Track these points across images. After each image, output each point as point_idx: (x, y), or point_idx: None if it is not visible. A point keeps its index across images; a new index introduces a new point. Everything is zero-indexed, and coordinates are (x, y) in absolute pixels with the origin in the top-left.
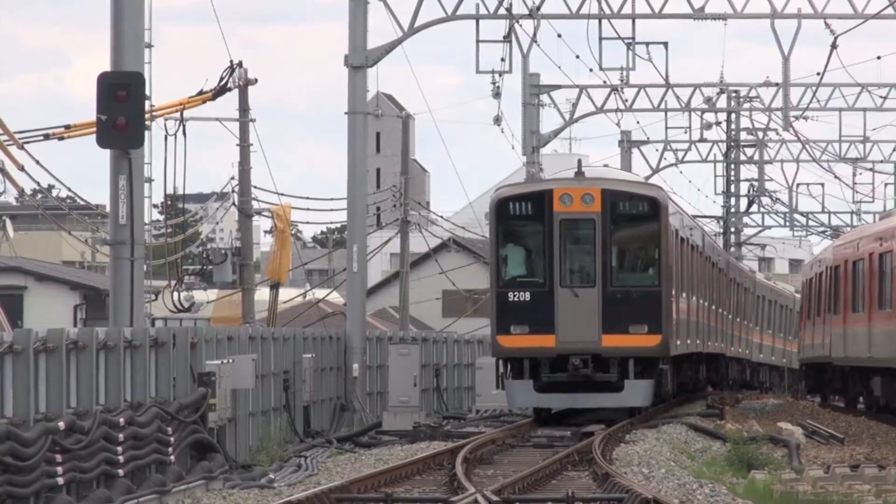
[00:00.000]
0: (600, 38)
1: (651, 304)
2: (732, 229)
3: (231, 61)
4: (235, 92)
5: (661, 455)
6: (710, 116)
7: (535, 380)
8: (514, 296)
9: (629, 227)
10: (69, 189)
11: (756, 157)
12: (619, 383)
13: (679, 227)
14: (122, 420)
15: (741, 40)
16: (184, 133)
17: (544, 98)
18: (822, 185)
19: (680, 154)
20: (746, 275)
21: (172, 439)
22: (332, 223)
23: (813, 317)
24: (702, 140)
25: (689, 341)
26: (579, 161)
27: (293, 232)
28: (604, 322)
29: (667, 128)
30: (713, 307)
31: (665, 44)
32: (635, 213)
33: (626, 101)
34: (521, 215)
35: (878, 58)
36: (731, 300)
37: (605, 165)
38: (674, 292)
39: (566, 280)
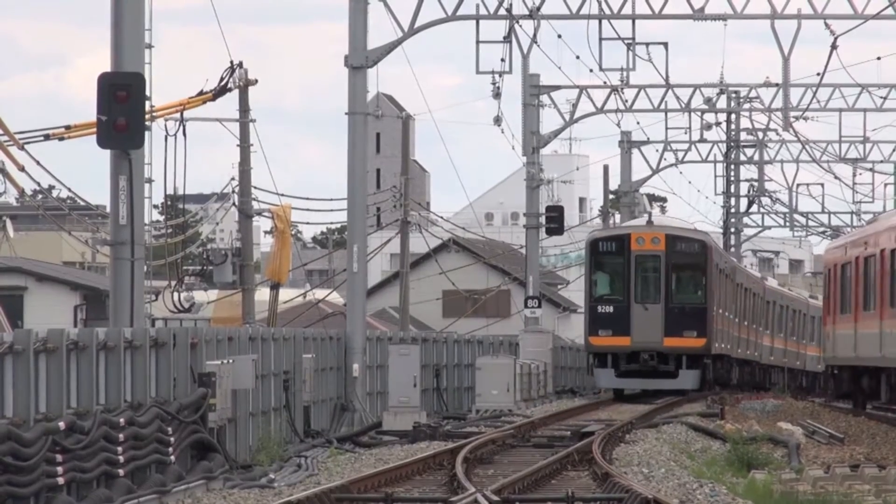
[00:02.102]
0: (600, 39)
1: (699, 316)
2: (732, 230)
3: (231, 62)
4: (236, 92)
5: (660, 455)
6: (710, 117)
7: (615, 368)
8: (602, 308)
9: (684, 261)
10: (69, 189)
11: (756, 158)
12: (675, 372)
13: (719, 262)
14: (122, 420)
15: (741, 41)
16: (184, 133)
17: (544, 98)
18: (822, 185)
19: (680, 154)
20: (764, 286)
21: (173, 439)
22: (332, 223)
23: (837, 313)
24: (702, 140)
25: (723, 345)
26: (650, 213)
27: (293, 232)
28: (665, 328)
29: (667, 128)
30: (744, 322)
31: (665, 44)
32: (688, 252)
33: (627, 101)
34: (608, 251)
35: (878, 58)
36: (759, 314)
37: (664, 212)
38: (715, 309)
39: (639, 298)
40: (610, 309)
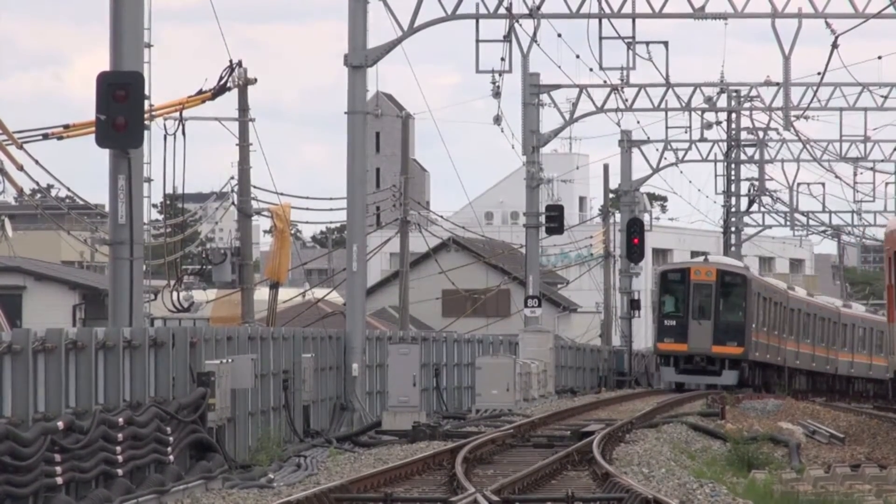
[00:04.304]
0: (600, 38)
1: (739, 330)
2: (733, 229)
3: (231, 61)
4: (235, 91)
5: (661, 455)
6: (710, 116)
7: (675, 367)
8: (667, 322)
9: (730, 289)
10: (68, 189)
11: (756, 157)
12: (720, 372)
13: (758, 289)
14: (121, 420)
15: (742, 40)
16: (183, 133)
17: (544, 98)
18: (823, 184)
19: (680, 153)
20: (801, 300)
21: (171, 439)
22: (331, 223)
23: None
24: (702, 139)
25: (759, 354)
26: (707, 254)
27: (292, 232)
28: (714, 338)
29: (667, 127)
30: (782, 334)
31: (665, 43)
32: (733, 283)
33: (627, 100)
34: (674, 280)
35: (879, 57)
36: (797, 327)
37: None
38: (754, 325)
39: (695, 315)
40: (673, 323)
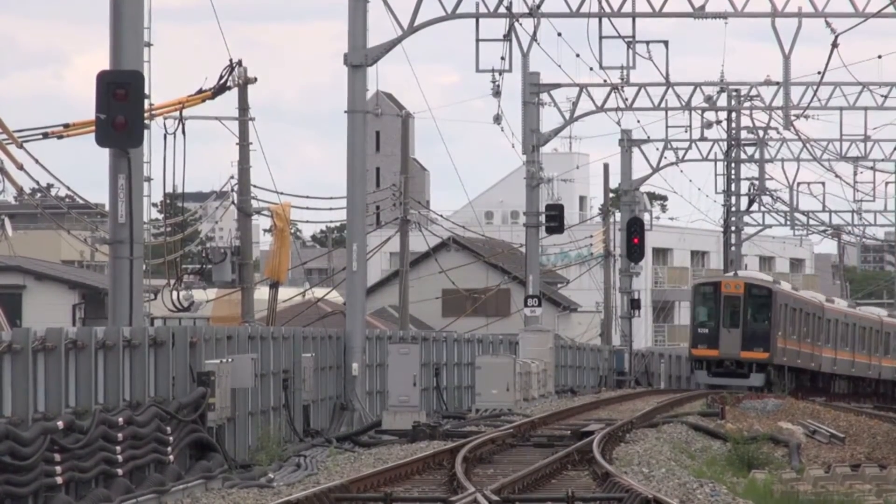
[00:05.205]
0: (600, 37)
1: (765, 337)
2: (733, 228)
3: (230, 60)
4: (235, 91)
5: (661, 455)
6: (710, 115)
7: (708, 371)
8: (701, 330)
9: (757, 300)
10: (68, 188)
11: (757, 156)
12: (748, 374)
13: (785, 301)
14: (120, 419)
15: (742, 39)
16: (183, 132)
17: (544, 97)
18: (823, 183)
19: (680, 153)
20: (838, 311)
21: (171, 439)
22: (331, 222)
23: None
24: (702, 139)
25: (787, 359)
26: (736, 269)
27: (292, 231)
28: (742, 344)
29: (667, 126)
30: (816, 342)
31: (665, 42)
32: (759, 295)
33: (627, 99)
34: (706, 293)
35: (879, 56)
36: (835, 335)
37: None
38: (780, 333)
39: (726, 323)
40: (706, 331)
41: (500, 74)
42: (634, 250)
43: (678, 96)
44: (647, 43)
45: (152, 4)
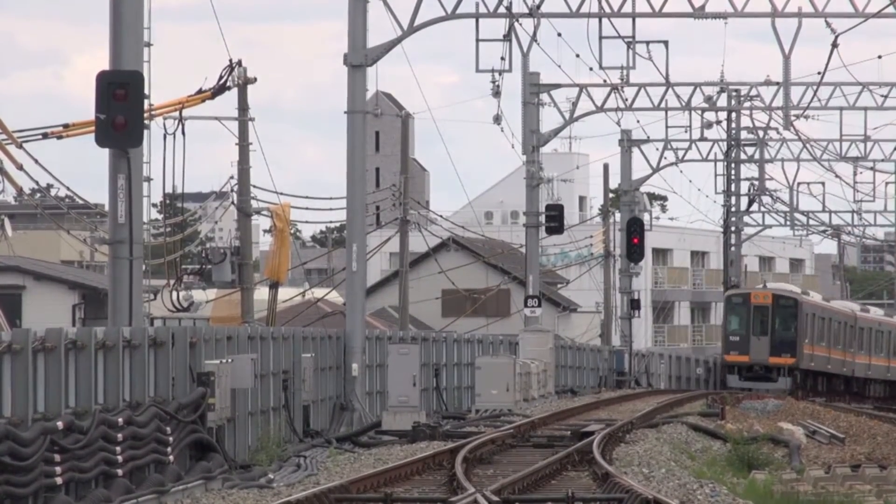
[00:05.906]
0: (600, 37)
1: (792, 344)
2: (733, 229)
3: (230, 60)
4: (234, 91)
5: (661, 455)
6: (710, 115)
7: (739, 375)
8: (733, 338)
9: (784, 310)
10: (68, 188)
11: (757, 156)
12: (776, 378)
13: (812, 310)
14: (120, 420)
15: (742, 39)
16: (183, 132)
17: (544, 97)
18: (823, 184)
19: (680, 153)
20: (872, 320)
21: (171, 439)
22: (331, 222)
23: None
24: (702, 139)
25: (815, 364)
26: (765, 281)
27: (292, 231)
28: (770, 350)
29: (667, 127)
30: (848, 349)
31: (665, 42)
32: (786, 305)
33: (627, 99)
34: (737, 303)
35: (879, 57)
36: (868, 342)
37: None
38: (806, 340)
39: (755, 331)
40: (737, 338)
41: (499, 74)
42: (634, 250)
43: (678, 96)
44: (647, 43)
45: (152, 4)
